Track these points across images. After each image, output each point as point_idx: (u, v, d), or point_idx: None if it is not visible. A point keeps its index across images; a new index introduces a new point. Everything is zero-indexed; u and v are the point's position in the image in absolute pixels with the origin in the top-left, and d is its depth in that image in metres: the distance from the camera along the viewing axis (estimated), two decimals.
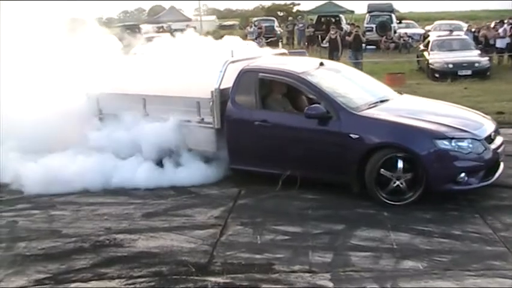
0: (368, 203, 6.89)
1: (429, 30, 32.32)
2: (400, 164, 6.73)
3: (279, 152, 7.54)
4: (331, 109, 7.18)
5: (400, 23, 35.82)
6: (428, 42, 22.35)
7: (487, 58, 20.03)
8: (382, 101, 7.73)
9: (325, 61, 8.62)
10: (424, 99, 8.73)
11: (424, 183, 6.70)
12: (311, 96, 7.68)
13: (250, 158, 7.77)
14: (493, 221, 6.31)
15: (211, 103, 7.78)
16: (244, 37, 27.20)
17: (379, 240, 5.90)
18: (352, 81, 8.27)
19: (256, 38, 25.85)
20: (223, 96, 7.78)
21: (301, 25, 31.93)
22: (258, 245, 5.94)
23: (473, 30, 25.75)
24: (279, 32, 37.00)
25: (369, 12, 35.19)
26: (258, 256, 5.65)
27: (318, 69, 8.03)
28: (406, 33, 31.89)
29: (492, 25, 25.22)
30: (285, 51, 10.29)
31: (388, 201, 6.80)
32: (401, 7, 71.02)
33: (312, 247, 5.81)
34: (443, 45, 21.14)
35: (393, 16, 34.67)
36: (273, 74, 7.91)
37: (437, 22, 33.73)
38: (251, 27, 32.96)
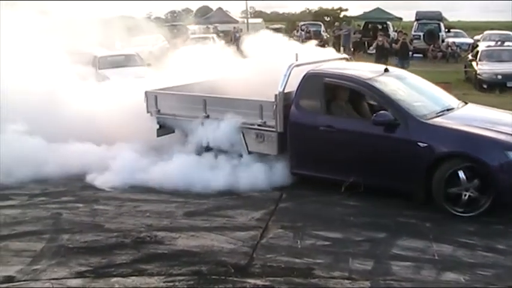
0: (410, 212, 6.82)
1: (478, 40, 31.76)
2: (464, 175, 6.67)
3: (343, 158, 7.49)
4: (398, 116, 7.16)
5: (448, 31, 35.26)
6: (477, 52, 21.95)
7: None
8: (448, 110, 7.66)
9: (389, 68, 8.62)
10: (490, 108, 8.54)
11: (493, 194, 6.61)
12: (376, 102, 7.78)
13: (313, 163, 7.75)
14: None
15: (274, 106, 7.78)
16: None
17: (421, 251, 5.83)
18: (417, 89, 8.20)
19: (303, 42, 25.82)
20: (286, 100, 7.81)
21: (345, 30, 31.77)
22: (298, 249, 5.93)
23: None
24: (325, 37, 36.88)
25: (417, 20, 34.77)
26: (297, 260, 5.64)
27: (383, 76, 8.03)
28: (454, 42, 31.40)
29: None
30: (347, 56, 10.20)
31: (460, 214, 6.72)
32: (450, 16, 70.09)
33: (353, 254, 5.78)
34: (493, 56, 20.75)
35: (441, 25, 34.18)
36: (339, 79, 7.93)
37: (486, 32, 33.04)
38: (298, 31, 32.92)
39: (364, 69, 8.40)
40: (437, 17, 34.77)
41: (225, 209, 7.17)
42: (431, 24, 33.56)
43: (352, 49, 31.36)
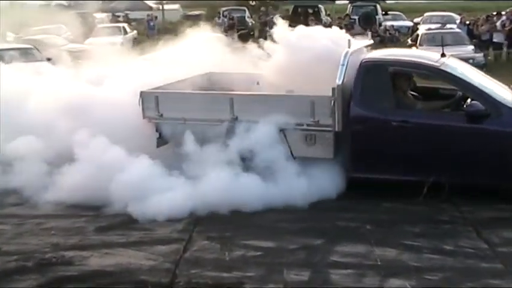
0: (350, 214, 6.98)
1: (418, 23, 32.65)
2: None
3: (421, 156, 7.44)
4: (489, 106, 7.25)
5: (385, 14, 36.14)
6: (417, 35, 22.59)
7: (482, 54, 20.30)
8: None
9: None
10: None
11: None
12: (460, 92, 7.83)
13: (382, 164, 7.58)
14: (490, 235, 6.41)
15: (332, 102, 7.46)
16: (212, 29, 27.21)
17: (362, 256, 5.96)
18: (479, 76, 8.34)
19: (226, 31, 25.85)
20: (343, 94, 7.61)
21: (272, 16, 32.00)
22: (226, 262, 5.95)
23: (467, 22, 26.08)
24: (250, 24, 37.07)
25: (351, 2, 35.46)
26: (226, 274, 5.66)
27: (449, 62, 8.11)
28: (392, 25, 32.15)
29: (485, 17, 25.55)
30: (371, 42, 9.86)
31: None
32: None
33: (287, 264, 5.84)
34: (434, 40, 21.28)
35: (378, 7, 35.00)
36: (407, 67, 8.08)
37: (427, 14, 33.99)
38: (219, 17, 32.99)
39: (425, 55, 8.74)
40: None
41: (142, 220, 7.10)
42: (366, 7, 34.31)
43: None
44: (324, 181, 7.65)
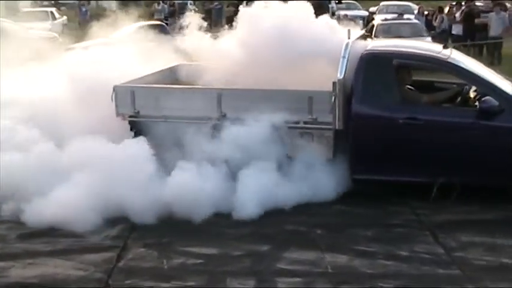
0: (298, 218, 7.01)
1: (374, 13, 33.07)
2: None
3: (431, 155, 7.45)
4: (502, 101, 7.35)
5: (339, 3, 36.46)
6: (373, 26, 22.83)
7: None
8: None
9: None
10: None
11: None
12: (473, 87, 7.92)
13: (387, 164, 7.59)
14: (446, 239, 6.53)
15: (333, 98, 7.37)
16: (151, 16, 27.01)
17: (312, 263, 6.00)
18: (484, 69, 8.40)
19: (167, 18, 25.71)
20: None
21: (216, 3, 31.97)
22: (164, 270, 5.93)
23: (425, 13, 26.52)
24: (193, 11, 36.88)
25: None
26: (164, 284, 5.64)
27: (454, 54, 8.23)
28: (346, 15, 32.41)
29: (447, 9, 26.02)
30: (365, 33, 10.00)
31: None
32: None
33: (231, 272, 5.85)
34: (390, 31, 21.55)
35: None
36: (413, 59, 8.19)
37: (383, 3, 34.50)
38: (159, 4, 32.75)
39: (426, 46, 9.04)
40: None
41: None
42: None
43: (225, 25, 31.52)
44: (320, 183, 7.56)
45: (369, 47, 8.11)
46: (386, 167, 7.56)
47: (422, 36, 21.16)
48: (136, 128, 8.12)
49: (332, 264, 5.98)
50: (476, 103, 7.58)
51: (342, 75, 7.33)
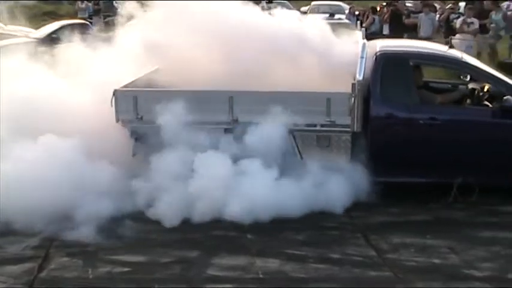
0: (228, 223, 6.96)
1: (305, 13, 33.30)
2: None
3: (451, 155, 7.57)
4: None
5: (270, 2, 36.60)
6: None
7: None
8: None
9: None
10: None
11: None
12: (492, 86, 8.07)
13: (408, 166, 7.62)
14: (378, 241, 6.62)
15: (352, 99, 7.36)
16: (74, 15, 26.63)
17: (242, 269, 5.98)
18: (490, 68, 8.67)
19: (91, 17, 25.36)
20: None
21: None
22: (90, 280, 5.82)
23: (356, 13, 26.83)
24: (119, 9, 36.47)
25: None
26: None
27: (464, 54, 8.63)
28: None
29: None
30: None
31: None
32: None
33: (160, 280, 5.79)
34: None
35: None
36: (429, 59, 8.53)
37: (314, 3, 34.81)
38: (82, 2, 32.24)
39: (438, 47, 9.26)
40: None
41: None
42: None
43: None
44: (344, 187, 7.46)
45: (382, 48, 8.20)
46: (406, 169, 7.63)
47: None
48: (138, 135, 7.79)
49: (263, 269, 5.97)
50: (490, 102, 7.97)
51: (361, 76, 7.39)
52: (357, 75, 7.40)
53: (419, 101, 7.85)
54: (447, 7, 25.15)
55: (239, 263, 6.08)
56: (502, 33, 19.59)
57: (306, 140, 7.64)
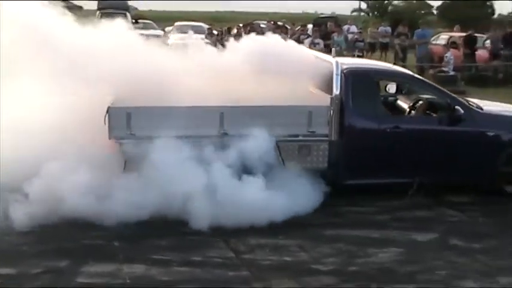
0: (97, 232, 6.88)
1: (169, 32, 33.33)
2: None
3: (410, 159, 8.23)
4: (464, 109, 8.43)
5: (136, 23, 36.36)
6: (167, 44, 23.06)
7: None
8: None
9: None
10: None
11: None
12: (437, 99, 8.78)
13: (373, 169, 8.20)
14: (237, 243, 6.75)
15: (331, 112, 7.77)
16: None
17: (110, 275, 5.94)
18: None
19: None
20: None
21: None
22: None
23: (215, 32, 27.18)
24: None
25: (99, 9, 35.14)
26: None
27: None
28: (142, 34, 32.38)
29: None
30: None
31: None
32: (141, 5, 72.72)
33: None
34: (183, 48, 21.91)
35: (128, 15, 35.09)
36: (390, 76, 9.41)
37: (177, 23, 34.84)
38: None
39: (385, 64, 10.41)
40: (123, 6, 35.58)
41: None
42: (117, 15, 34.18)
43: None
44: (309, 191, 7.74)
45: (347, 66, 8.52)
46: (373, 172, 8.24)
47: None
48: (129, 151, 7.52)
49: (130, 274, 5.95)
50: (434, 112, 8.80)
51: (338, 91, 7.83)
52: (334, 90, 7.84)
53: (384, 112, 8.72)
54: (297, 29, 26.03)
55: (107, 270, 6.02)
56: (344, 53, 20.53)
57: (289, 150, 7.88)
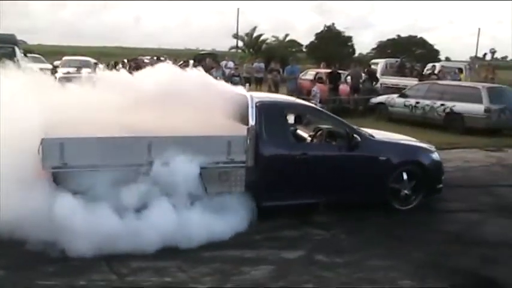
0: None
1: (57, 66, 32.88)
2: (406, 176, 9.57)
3: (317, 181, 8.86)
4: (360, 137, 9.24)
5: (25, 56, 35.63)
6: (55, 78, 22.86)
7: None
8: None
9: None
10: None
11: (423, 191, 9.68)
12: (334, 128, 9.57)
13: (286, 192, 8.76)
14: (119, 266, 6.87)
15: (248, 141, 8.21)
16: None
17: None
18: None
19: None
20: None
21: None
22: None
23: (101, 66, 27.21)
24: None
25: None
26: None
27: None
28: (30, 67, 31.82)
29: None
30: None
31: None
32: (30, 39, 71.22)
33: None
34: (71, 82, 21.75)
35: (17, 49, 34.34)
36: (297, 108, 10.20)
37: (65, 58, 34.47)
38: None
39: (291, 98, 11.34)
40: (12, 40, 34.79)
41: None
42: (5, 48, 33.40)
43: None
44: (230, 215, 8.11)
45: (259, 99, 8.99)
46: (286, 194, 8.79)
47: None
48: (61, 180, 7.49)
49: None
50: (333, 140, 9.52)
51: (254, 122, 8.42)
52: (250, 121, 8.42)
53: (293, 140, 9.35)
54: (179, 64, 26.38)
55: None
56: None
57: (209, 176, 8.12)
